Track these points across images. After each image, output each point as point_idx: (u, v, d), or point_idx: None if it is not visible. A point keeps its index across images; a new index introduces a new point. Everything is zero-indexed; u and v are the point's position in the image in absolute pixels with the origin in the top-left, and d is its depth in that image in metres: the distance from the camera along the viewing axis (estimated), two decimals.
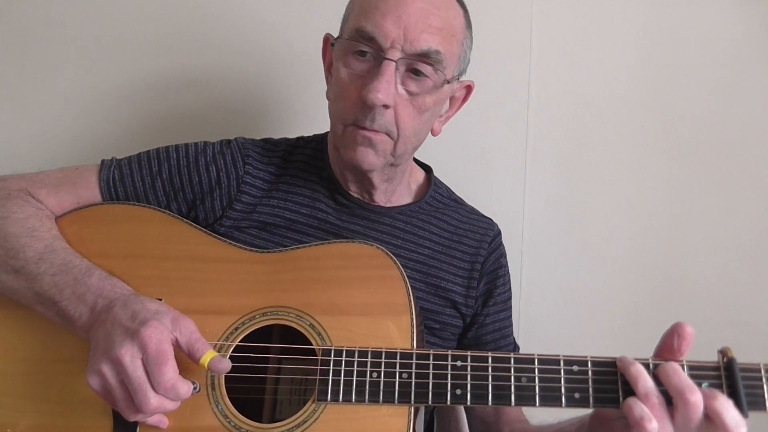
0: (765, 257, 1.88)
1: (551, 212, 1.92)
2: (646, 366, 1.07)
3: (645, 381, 1.04)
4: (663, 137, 1.89)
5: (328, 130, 1.43)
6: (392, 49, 1.24)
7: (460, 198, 1.59)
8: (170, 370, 1.03)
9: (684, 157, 1.89)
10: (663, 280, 1.91)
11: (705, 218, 1.89)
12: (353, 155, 1.31)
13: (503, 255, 1.55)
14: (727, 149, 1.88)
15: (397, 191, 1.47)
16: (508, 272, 1.56)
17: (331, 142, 1.45)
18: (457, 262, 1.46)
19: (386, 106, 1.26)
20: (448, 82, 1.33)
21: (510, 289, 1.56)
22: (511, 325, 1.55)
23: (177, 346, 1.08)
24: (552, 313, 1.93)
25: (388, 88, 1.24)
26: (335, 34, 1.36)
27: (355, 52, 1.28)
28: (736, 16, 1.84)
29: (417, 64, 1.27)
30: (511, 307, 1.55)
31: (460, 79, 1.41)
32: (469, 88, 1.46)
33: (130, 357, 1.03)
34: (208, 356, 1.08)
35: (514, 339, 1.56)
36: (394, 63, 1.25)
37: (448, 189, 1.59)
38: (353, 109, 1.28)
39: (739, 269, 1.89)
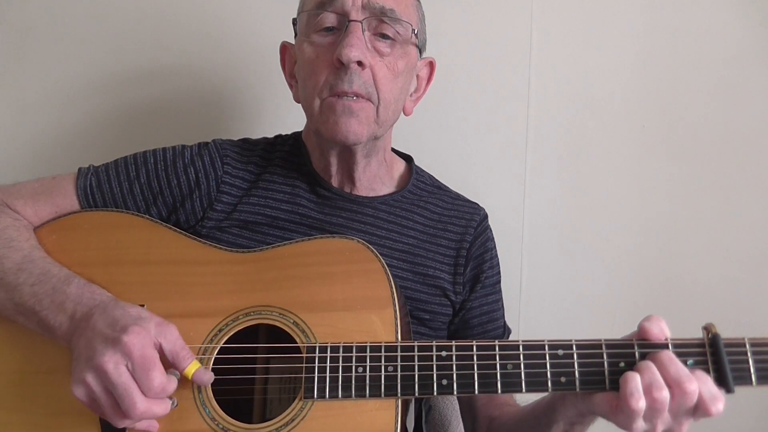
0: (765, 257, 1.87)
1: (551, 212, 1.92)
2: (630, 346, 1.08)
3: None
4: (663, 137, 1.89)
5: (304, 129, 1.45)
6: (354, 9, 1.27)
7: (444, 184, 1.58)
8: (158, 375, 1.03)
9: (684, 157, 1.88)
10: (663, 280, 1.91)
11: (705, 218, 1.89)
12: (336, 129, 1.29)
13: (490, 239, 1.53)
14: (727, 149, 1.87)
15: (376, 178, 1.46)
16: (496, 255, 1.54)
17: (308, 130, 1.45)
18: (443, 250, 1.46)
19: (361, 64, 1.27)
20: (415, 33, 1.35)
21: (499, 272, 1.54)
22: (501, 309, 1.54)
23: (161, 352, 1.08)
24: (552, 313, 1.93)
25: (359, 43, 1.26)
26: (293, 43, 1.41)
27: (319, 29, 1.31)
28: (736, 16, 1.84)
29: (381, 26, 1.30)
30: (500, 291, 1.54)
31: (422, 56, 1.43)
32: (431, 65, 1.47)
33: (113, 364, 1.02)
34: (192, 367, 1.08)
35: (504, 323, 1.55)
36: (360, 23, 1.27)
37: (431, 176, 1.58)
38: (327, 77, 1.29)
39: (739, 269, 1.88)
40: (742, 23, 1.84)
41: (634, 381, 1.02)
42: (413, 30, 1.34)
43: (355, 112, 1.29)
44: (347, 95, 1.28)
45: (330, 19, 1.29)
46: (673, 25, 1.86)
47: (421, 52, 1.42)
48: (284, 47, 1.46)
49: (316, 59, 1.31)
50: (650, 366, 1.03)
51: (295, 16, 1.40)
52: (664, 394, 1.00)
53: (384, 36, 1.31)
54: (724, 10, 1.84)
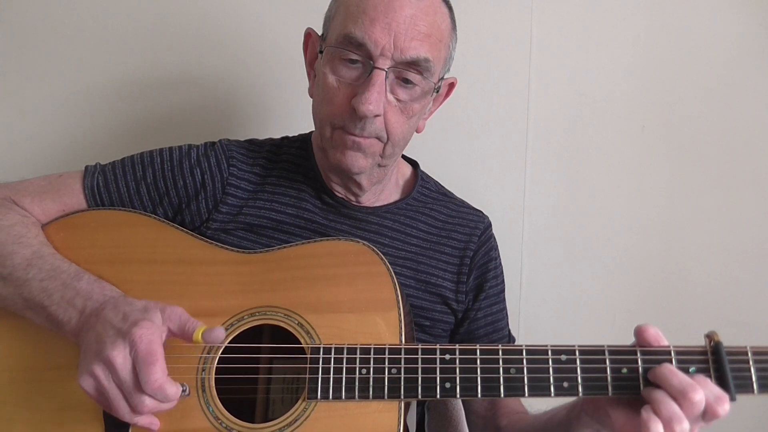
0: (765, 257, 1.88)
1: (551, 212, 1.92)
2: (632, 352, 1.08)
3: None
4: (663, 137, 1.89)
5: (312, 129, 1.44)
6: (382, 57, 1.24)
7: (449, 191, 1.58)
8: (158, 371, 1.03)
9: (684, 158, 1.89)
10: (663, 280, 1.91)
11: (705, 218, 1.89)
12: (342, 159, 1.31)
13: (494, 248, 1.54)
14: (727, 149, 1.87)
15: (385, 189, 1.47)
16: (500, 264, 1.55)
17: (316, 143, 1.45)
18: (446, 257, 1.46)
19: (376, 115, 1.26)
20: (437, 91, 1.35)
21: (503, 281, 1.54)
22: (505, 318, 1.54)
23: (171, 334, 1.09)
24: (552, 313, 1.93)
25: (378, 98, 1.24)
26: (316, 30, 1.38)
27: (344, 59, 1.27)
28: (736, 16, 1.84)
29: (406, 73, 1.27)
30: (504, 300, 1.54)
31: (444, 77, 1.41)
32: (451, 86, 1.45)
33: (123, 358, 1.02)
34: (198, 331, 1.08)
35: (509, 332, 1.55)
36: (384, 72, 1.25)
37: (436, 183, 1.58)
38: (342, 116, 1.28)
39: (739, 269, 1.88)
40: (742, 23, 1.84)
41: (656, 427, 1.01)
42: (435, 85, 1.33)
43: (363, 148, 1.29)
44: (356, 137, 1.28)
45: (355, 55, 1.26)
46: (673, 25, 1.86)
47: (445, 75, 1.40)
48: (308, 34, 1.42)
49: (337, 90, 1.28)
50: (665, 399, 1.02)
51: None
52: (685, 426, 1.00)
53: (407, 81, 1.28)
54: (724, 10, 1.84)
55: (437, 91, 1.37)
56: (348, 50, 1.26)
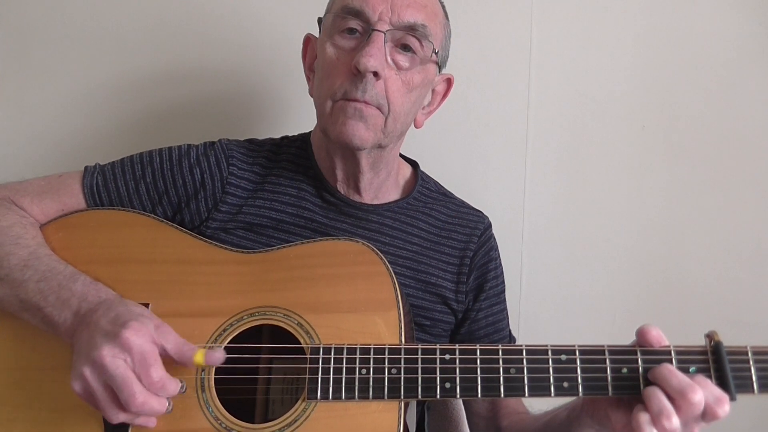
0: (765, 257, 1.87)
1: (551, 212, 1.91)
2: (633, 352, 1.08)
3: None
4: (663, 137, 1.89)
5: (312, 129, 1.45)
6: (380, 21, 1.27)
7: (449, 191, 1.58)
8: (158, 370, 1.03)
9: (684, 157, 1.88)
10: (663, 280, 1.90)
11: (705, 218, 1.89)
12: (343, 129, 1.29)
13: (494, 248, 1.54)
14: (727, 149, 1.87)
15: (383, 187, 1.47)
16: (500, 265, 1.55)
17: (316, 141, 1.45)
18: (446, 258, 1.46)
19: (377, 75, 1.27)
20: (435, 53, 1.35)
21: (503, 282, 1.55)
22: (506, 318, 1.54)
23: (165, 354, 1.08)
24: (552, 313, 1.93)
25: (379, 54, 1.26)
26: (317, 36, 1.40)
27: (342, 30, 1.31)
28: (736, 16, 1.84)
29: (405, 38, 1.30)
30: (505, 300, 1.54)
31: (441, 72, 1.43)
32: (449, 82, 1.47)
33: (111, 357, 1.02)
34: (200, 354, 1.07)
35: (509, 332, 1.56)
36: (383, 34, 1.27)
37: (436, 183, 1.58)
38: (343, 82, 1.29)
39: (739, 269, 1.88)
40: (742, 23, 1.84)
41: (645, 418, 1.02)
42: (434, 50, 1.34)
43: (365, 116, 1.29)
44: (358, 102, 1.28)
45: (354, 22, 1.30)
46: (673, 25, 1.86)
47: (440, 69, 1.43)
48: (308, 39, 1.46)
49: (336, 61, 1.31)
50: (656, 393, 1.03)
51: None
52: (674, 422, 1.00)
53: (405, 47, 1.31)
54: (724, 10, 1.84)
55: (439, 65, 1.39)
56: (347, 17, 1.29)
